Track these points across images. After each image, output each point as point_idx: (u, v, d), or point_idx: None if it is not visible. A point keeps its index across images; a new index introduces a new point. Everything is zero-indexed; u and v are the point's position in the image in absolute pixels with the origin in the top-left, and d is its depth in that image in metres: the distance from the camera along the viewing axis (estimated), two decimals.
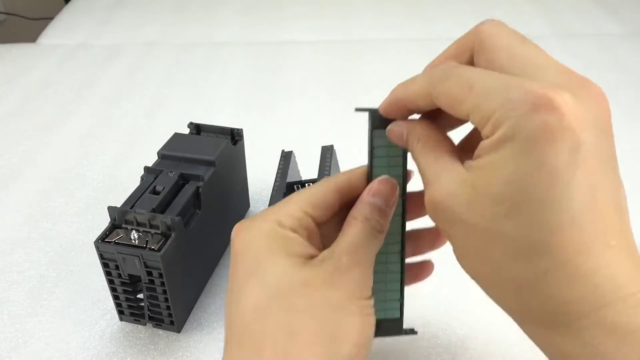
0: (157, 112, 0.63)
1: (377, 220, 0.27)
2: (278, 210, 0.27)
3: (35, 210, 0.49)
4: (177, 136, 0.41)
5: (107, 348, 0.37)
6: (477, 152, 0.22)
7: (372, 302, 0.26)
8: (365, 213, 0.27)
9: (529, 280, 0.21)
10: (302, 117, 0.62)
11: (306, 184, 0.46)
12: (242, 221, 0.27)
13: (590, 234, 0.21)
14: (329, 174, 0.40)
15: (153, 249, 0.32)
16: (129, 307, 0.36)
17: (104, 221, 0.50)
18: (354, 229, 0.27)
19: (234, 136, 0.42)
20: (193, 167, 0.38)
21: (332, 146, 0.43)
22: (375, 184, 0.28)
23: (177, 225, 0.33)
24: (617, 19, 0.86)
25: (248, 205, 0.49)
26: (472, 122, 0.22)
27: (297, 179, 0.47)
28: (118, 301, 0.36)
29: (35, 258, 0.44)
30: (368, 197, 0.27)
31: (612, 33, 0.83)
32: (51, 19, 0.92)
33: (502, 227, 0.21)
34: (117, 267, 0.33)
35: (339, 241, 0.27)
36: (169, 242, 0.32)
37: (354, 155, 0.56)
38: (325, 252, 0.26)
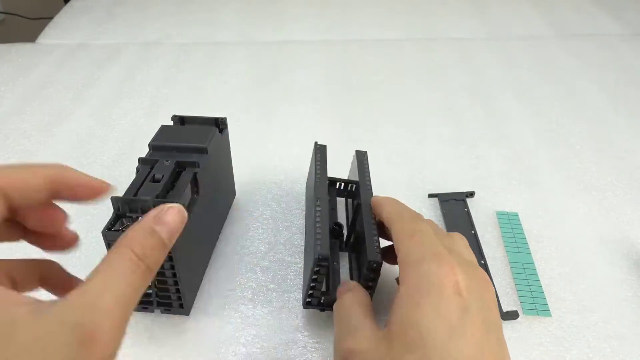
0: (157, 112, 0.63)
1: (155, 259, 0.21)
2: None
3: None
4: (164, 128, 0.42)
5: None
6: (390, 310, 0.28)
7: None
8: (143, 247, 0.21)
9: None
10: (302, 117, 0.62)
11: (337, 183, 0.45)
12: None
13: None
14: (369, 181, 0.40)
15: None
16: None
17: (103, 221, 0.50)
18: (120, 270, 0.20)
19: (219, 125, 0.43)
20: (186, 155, 0.38)
21: (365, 152, 0.44)
22: (166, 210, 0.22)
23: None
24: (618, 19, 0.86)
25: (234, 194, 0.50)
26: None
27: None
28: None
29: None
30: (153, 224, 0.22)
31: (612, 33, 0.82)
32: (50, 18, 0.92)
33: None
34: None
35: (91, 285, 0.19)
36: None
37: (352, 154, 0.56)
38: (59, 304, 0.18)
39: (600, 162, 0.54)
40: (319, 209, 0.36)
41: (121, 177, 0.53)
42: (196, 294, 0.40)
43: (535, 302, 0.39)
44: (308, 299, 0.36)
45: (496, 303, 0.29)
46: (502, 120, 0.61)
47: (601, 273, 0.42)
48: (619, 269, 0.43)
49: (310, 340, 0.37)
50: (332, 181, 0.45)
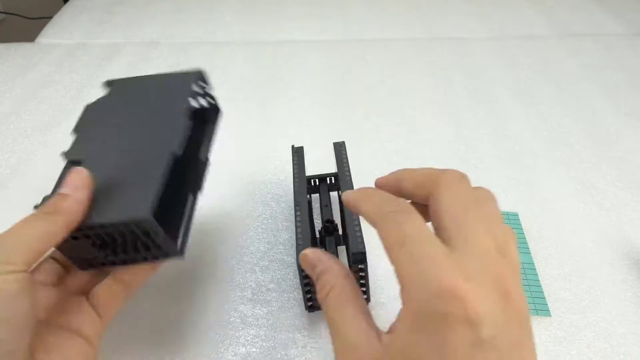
0: None
1: (66, 207, 0.30)
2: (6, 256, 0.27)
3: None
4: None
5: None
6: (392, 325, 0.23)
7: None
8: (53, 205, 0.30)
9: None
10: (301, 117, 0.62)
11: (327, 178, 0.46)
12: None
13: None
14: (348, 170, 0.41)
15: None
16: None
17: None
18: (32, 222, 0.31)
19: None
20: None
21: (343, 142, 0.44)
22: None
23: None
24: (618, 19, 0.86)
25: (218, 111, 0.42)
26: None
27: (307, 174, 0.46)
28: None
29: None
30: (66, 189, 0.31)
31: (612, 33, 0.82)
32: (50, 18, 0.91)
33: None
34: None
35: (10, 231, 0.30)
36: None
37: (353, 154, 0.56)
38: None
39: (600, 162, 0.54)
40: (299, 214, 0.37)
41: None
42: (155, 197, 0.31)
43: (535, 302, 0.39)
44: (309, 303, 0.36)
45: (529, 320, 0.22)
46: (502, 120, 0.61)
47: (601, 273, 0.42)
48: (619, 269, 0.43)
49: (310, 340, 0.37)
50: (322, 178, 0.46)
